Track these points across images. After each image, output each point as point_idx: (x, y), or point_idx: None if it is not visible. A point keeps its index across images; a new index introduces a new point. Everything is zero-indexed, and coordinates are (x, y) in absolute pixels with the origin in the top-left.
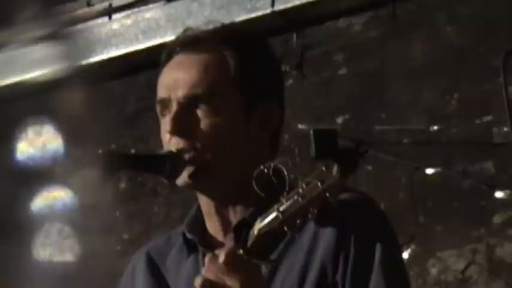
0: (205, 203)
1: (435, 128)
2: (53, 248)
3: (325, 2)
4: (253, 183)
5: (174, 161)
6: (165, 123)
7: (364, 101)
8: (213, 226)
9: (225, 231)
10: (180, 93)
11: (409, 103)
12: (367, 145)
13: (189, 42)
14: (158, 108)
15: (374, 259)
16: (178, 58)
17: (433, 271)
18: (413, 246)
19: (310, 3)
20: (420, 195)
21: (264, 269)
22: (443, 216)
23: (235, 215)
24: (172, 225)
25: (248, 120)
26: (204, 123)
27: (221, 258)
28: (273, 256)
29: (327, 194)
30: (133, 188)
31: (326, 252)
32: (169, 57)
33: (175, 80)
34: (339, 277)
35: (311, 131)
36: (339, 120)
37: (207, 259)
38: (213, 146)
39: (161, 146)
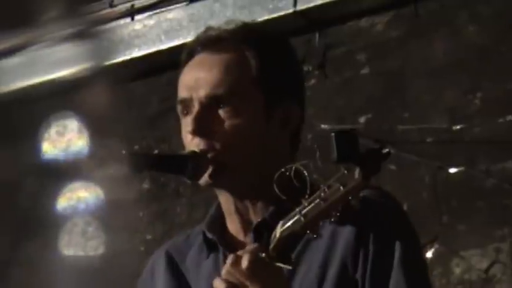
0: (225, 201)
1: (458, 127)
2: (78, 247)
3: (347, 1)
4: (274, 185)
5: (197, 162)
6: (187, 124)
7: (386, 100)
8: (233, 225)
9: (245, 231)
10: (201, 93)
11: (432, 102)
12: (390, 144)
13: (211, 41)
14: (179, 108)
15: (394, 257)
16: (200, 57)
17: (457, 270)
18: (436, 246)
19: (333, 2)
20: (443, 194)
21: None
22: (467, 215)
23: (255, 215)
24: (195, 226)
25: (269, 120)
26: (225, 123)
27: (244, 261)
28: (292, 255)
29: (349, 197)
30: (156, 189)
31: (345, 250)
32: (190, 56)
33: (196, 80)
34: (358, 275)
35: (332, 134)
36: (362, 119)
37: (228, 261)
38: (234, 145)
39: (183, 147)
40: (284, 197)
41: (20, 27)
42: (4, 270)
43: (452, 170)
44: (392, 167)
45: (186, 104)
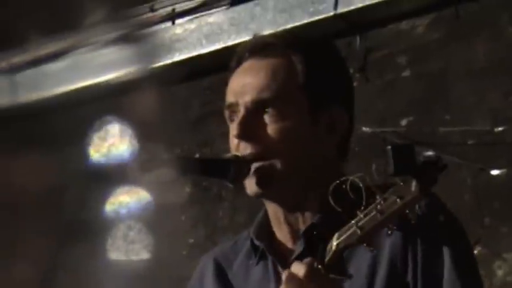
0: (273, 210)
1: (500, 129)
2: (121, 252)
3: (388, 4)
4: (330, 198)
5: (239, 166)
6: (233, 128)
7: (428, 102)
8: (281, 233)
9: (294, 238)
10: (247, 98)
11: (473, 104)
12: (432, 147)
13: (258, 47)
14: (226, 114)
15: (445, 256)
16: (247, 64)
17: (499, 273)
18: (479, 248)
19: (373, 5)
20: (485, 196)
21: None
22: (509, 217)
23: (303, 221)
24: (237, 230)
25: (314, 124)
26: (271, 128)
27: (300, 273)
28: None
29: (407, 210)
30: (198, 193)
31: (393, 252)
32: (239, 63)
33: (243, 85)
34: (409, 277)
35: (389, 147)
36: (403, 122)
37: (284, 276)
38: (280, 151)
39: (225, 151)
40: (340, 209)
41: (64, 31)
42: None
43: (494, 172)
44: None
45: (233, 109)
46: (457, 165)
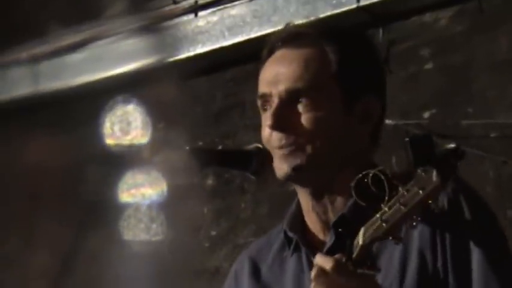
0: (304, 198)
1: None
2: (142, 242)
3: None
4: (353, 191)
5: (261, 157)
6: (266, 118)
7: (450, 95)
8: (312, 224)
9: (325, 230)
10: (281, 87)
11: (496, 97)
12: (454, 139)
13: (290, 37)
14: (259, 103)
15: (474, 244)
16: (280, 53)
17: None
18: None
19: None
20: (508, 189)
21: None
22: None
23: (333, 211)
24: (260, 222)
25: (348, 114)
26: (304, 118)
27: (327, 267)
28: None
29: (429, 201)
30: (220, 185)
31: (422, 241)
32: (271, 52)
33: (276, 75)
34: (439, 265)
35: (407, 139)
36: (426, 115)
37: (313, 273)
38: (314, 140)
39: (248, 143)
40: (363, 203)
41: (84, 22)
42: (68, 261)
43: None
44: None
45: (266, 99)
46: (480, 158)
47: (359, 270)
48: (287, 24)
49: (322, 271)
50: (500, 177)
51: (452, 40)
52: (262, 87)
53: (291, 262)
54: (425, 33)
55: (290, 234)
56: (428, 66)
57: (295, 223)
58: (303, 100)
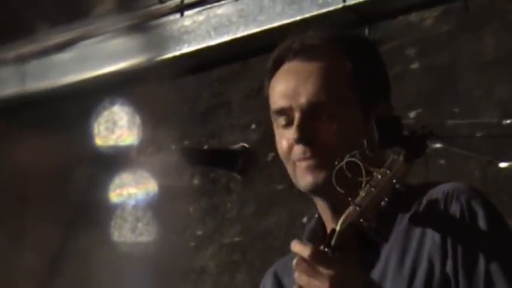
0: (324, 212)
1: (508, 121)
2: (129, 241)
3: None
4: (333, 181)
5: (247, 157)
6: (285, 132)
7: (436, 95)
8: None
9: None
10: (302, 100)
11: (482, 97)
12: (440, 139)
13: (303, 49)
14: (276, 118)
15: (484, 249)
16: (292, 66)
17: None
18: None
19: None
20: (494, 189)
21: (379, 255)
22: None
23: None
24: (245, 222)
25: (366, 121)
26: (328, 130)
27: (305, 253)
28: (386, 248)
29: (394, 180)
30: (206, 184)
31: (432, 246)
32: (279, 64)
33: (294, 88)
34: (449, 270)
35: (373, 120)
36: (412, 114)
37: (294, 265)
38: (339, 152)
39: (233, 142)
40: (342, 191)
41: (72, 22)
42: (56, 261)
43: (503, 165)
44: (442, 161)
45: (285, 113)
46: (466, 158)
47: (337, 255)
48: (291, 37)
49: (302, 259)
50: (486, 177)
51: (438, 40)
52: (281, 102)
53: None
54: (411, 32)
55: None
56: (414, 65)
57: (315, 236)
58: (325, 112)
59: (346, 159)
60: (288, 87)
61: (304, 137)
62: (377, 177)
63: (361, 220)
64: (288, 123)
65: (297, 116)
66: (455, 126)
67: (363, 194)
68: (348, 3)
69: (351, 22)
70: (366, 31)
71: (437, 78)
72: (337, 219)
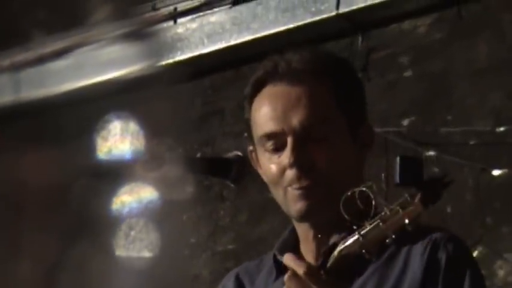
0: (303, 230)
1: (502, 129)
2: (123, 250)
3: (390, 4)
4: (341, 207)
5: (240, 165)
6: (272, 157)
7: (429, 102)
8: (308, 252)
9: (317, 257)
10: (294, 123)
11: (475, 104)
12: (433, 147)
13: (287, 73)
14: (264, 142)
15: None
16: (279, 89)
17: (501, 273)
18: (480, 248)
19: (375, 5)
20: (487, 196)
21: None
22: (510, 217)
23: (331, 241)
24: (239, 230)
25: (355, 143)
26: (320, 154)
27: (300, 270)
28: (362, 277)
29: (406, 221)
30: (200, 192)
31: (412, 284)
32: (261, 87)
33: (284, 112)
34: None
35: (397, 158)
36: (405, 122)
37: (286, 275)
38: (332, 176)
39: (227, 150)
40: (348, 217)
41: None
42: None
43: (496, 172)
44: (436, 169)
45: (275, 137)
46: (459, 166)
47: (330, 280)
48: (271, 59)
49: (295, 274)
50: (479, 184)
51: (431, 47)
52: (270, 125)
53: (276, 285)
54: (404, 40)
55: (280, 258)
56: (408, 73)
57: (285, 247)
58: (316, 136)
59: (361, 188)
60: (276, 110)
61: (300, 161)
62: (386, 213)
63: (363, 251)
64: (278, 148)
65: (290, 139)
66: (448, 134)
67: (369, 226)
68: (341, 11)
69: (344, 30)
70: (359, 39)
71: (430, 85)
72: (318, 239)
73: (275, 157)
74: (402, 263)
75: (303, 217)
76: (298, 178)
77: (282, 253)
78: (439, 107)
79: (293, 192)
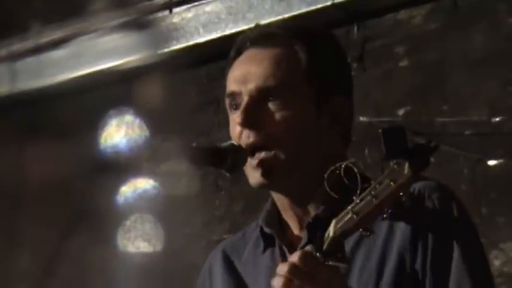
0: (278, 199)
1: (497, 119)
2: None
3: None
4: (325, 183)
5: (235, 154)
6: (236, 117)
7: (425, 93)
8: (289, 219)
9: (301, 226)
10: (251, 86)
11: (471, 95)
12: (429, 137)
13: (260, 37)
14: (228, 102)
15: (454, 247)
16: (249, 53)
17: (496, 263)
18: None
19: None
20: (482, 187)
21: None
22: (506, 207)
23: (308, 212)
24: (234, 219)
25: (319, 114)
26: (275, 117)
27: (294, 259)
28: (348, 246)
29: (400, 193)
30: (195, 182)
31: (403, 242)
32: (239, 52)
33: (245, 74)
34: (418, 266)
35: (380, 130)
36: (400, 112)
37: (280, 265)
38: (284, 141)
39: (222, 140)
40: (335, 196)
41: (66, 19)
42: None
43: (492, 163)
44: (431, 159)
45: (235, 97)
46: (454, 156)
47: (330, 263)
48: (256, 24)
49: (285, 262)
50: (475, 174)
51: (427, 37)
52: (231, 86)
53: (264, 258)
54: (399, 30)
55: (266, 229)
56: (403, 63)
57: (271, 220)
58: (274, 99)
59: (345, 163)
60: (240, 72)
61: (248, 120)
62: (375, 186)
63: (360, 230)
64: (237, 108)
65: (244, 100)
66: (444, 124)
67: (361, 203)
68: (336, 0)
69: (339, 20)
70: (355, 29)
71: (426, 76)
72: (296, 209)
73: (236, 116)
74: (388, 221)
75: (259, 187)
76: (247, 137)
77: (269, 225)
78: (435, 97)
79: (251, 162)
